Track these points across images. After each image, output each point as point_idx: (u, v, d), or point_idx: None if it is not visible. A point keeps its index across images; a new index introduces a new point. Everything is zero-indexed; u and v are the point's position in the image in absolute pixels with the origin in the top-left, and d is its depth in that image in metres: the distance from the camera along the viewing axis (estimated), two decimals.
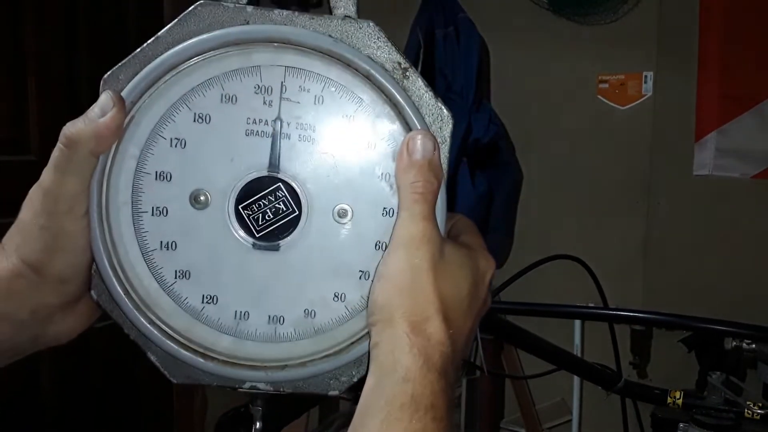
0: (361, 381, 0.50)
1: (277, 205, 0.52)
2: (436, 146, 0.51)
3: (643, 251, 2.71)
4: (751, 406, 1.16)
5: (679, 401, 1.21)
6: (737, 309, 2.22)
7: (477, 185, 2.53)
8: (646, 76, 2.67)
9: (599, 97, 2.75)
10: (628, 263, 2.68)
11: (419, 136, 0.51)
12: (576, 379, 2.47)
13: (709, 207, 2.59)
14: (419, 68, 2.54)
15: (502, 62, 2.77)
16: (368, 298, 0.51)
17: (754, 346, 1.85)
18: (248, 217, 0.52)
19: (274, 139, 0.51)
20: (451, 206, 0.54)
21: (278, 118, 0.51)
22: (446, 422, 0.46)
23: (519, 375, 2.50)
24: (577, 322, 2.52)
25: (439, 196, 0.51)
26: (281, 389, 0.54)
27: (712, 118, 2.56)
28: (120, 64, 0.51)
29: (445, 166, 0.53)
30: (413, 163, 0.50)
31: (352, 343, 0.53)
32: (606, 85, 2.73)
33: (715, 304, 2.40)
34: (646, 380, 2.59)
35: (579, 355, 2.35)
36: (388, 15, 2.62)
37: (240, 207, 0.52)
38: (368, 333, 0.51)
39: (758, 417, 1.15)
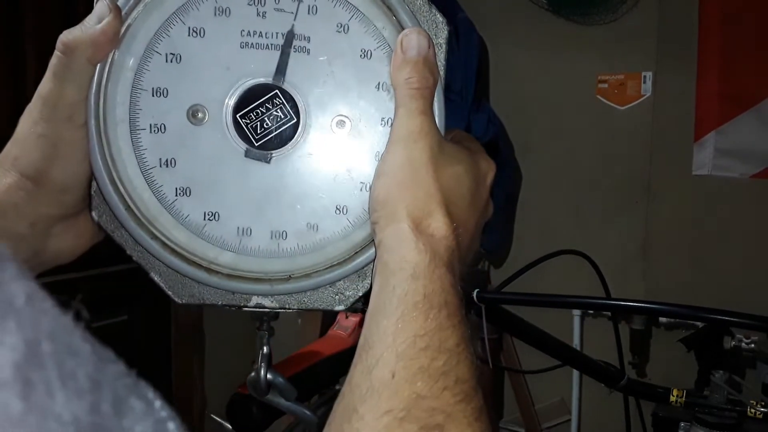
0: (366, 296, 0.49)
1: (275, 113, 0.51)
2: (430, 44, 0.50)
3: (642, 251, 2.71)
4: (754, 404, 1.16)
5: (682, 400, 1.21)
6: (737, 309, 2.22)
7: None
8: (645, 76, 2.67)
9: (599, 97, 2.75)
10: (627, 263, 2.69)
11: (413, 33, 0.50)
12: (575, 379, 2.48)
13: (709, 207, 2.59)
14: None
15: (501, 62, 2.77)
16: (369, 200, 0.51)
17: (753, 345, 1.85)
18: (246, 126, 0.51)
19: (284, 48, 0.51)
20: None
21: (291, 30, 0.51)
22: (460, 317, 0.46)
23: (522, 369, 2.50)
24: (577, 322, 2.52)
25: (436, 98, 0.51)
26: (287, 306, 0.53)
27: (712, 118, 2.56)
28: None
29: (441, 71, 0.52)
30: (408, 60, 0.50)
31: (356, 252, 0.53)
32: (605, 85, 2.74)
33: (715, 304, 2.40)
34: (646, 380, 2.59)
35: None
36: None
37: (238, 116, 0.51)
38: (372, 242, 0.50)
39: (761, 416, 1.15)
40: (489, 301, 1.19)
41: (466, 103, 2.59)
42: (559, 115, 2.79)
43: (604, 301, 1.38)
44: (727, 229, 2.55)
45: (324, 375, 1.32)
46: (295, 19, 0.51)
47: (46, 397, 0.24)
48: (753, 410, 1.17)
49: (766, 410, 1.15)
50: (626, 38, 2.66)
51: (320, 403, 1.26)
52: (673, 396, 1.20)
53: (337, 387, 1.35)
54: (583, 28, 2.70)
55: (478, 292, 1.18)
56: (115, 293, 2.24)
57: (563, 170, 2.78)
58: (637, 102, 2.70)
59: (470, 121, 2.56)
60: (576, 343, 2.50)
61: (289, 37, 0.51)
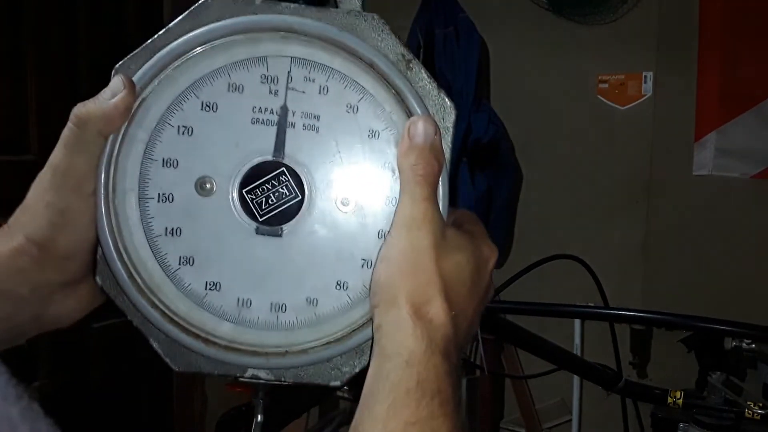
0: (363, 373, 0.50)
1: (280, 190, 0.52)
2: (437, 131, 0.51)
3: (642, 251, 2.71)
4: (752, 406, 1.16)
5: (680, 401, 1.20)
6: (737, 309, 2.22)
7: (477, 185, 2.53)
8: (645, 76, 2.67)
9: (599, 97, 2.75)
10: (627, 263, 2.68)
11: (420, 121, 0.51)
12: (576, 379, 2.47)
13: (709, 207, 2.59)
14: None
15: (502, 62, 2.77)
16: (370, 282, 0.51)
17: (753, 346, 1.85)
18: (252, 201, 0.52)
19: (280, 124, 0.52)
20: (453, 202, 0.54)
21: (284, 105, 0.52)
22: (453, 405, 0.46)
23: (519, 375, 2.50)
24: (577, 322, 2.52)
25: (440, 183, 0.52)
26: (282, 379, 0.54)
27: (712, 118, 2.56)
28: (131, 54, 0.52)
29: (447, 155, 0.53)
30: (414, 147, 0.51)
31: (354, 330, 0.53)
32: (606, 85, 2.73)
33: (715, 304, 2.40)
34: (646, 380, 2.59)
35: (579, 354, 2.35)
36: (388, 15, 2.61)
37: (244, 191, 0.52)
38: (370, 320, 0.51)
39: (759, 417, 1.15)
40: (485, 311, 1.19)
41: (467, 102, 2.59)
42: (560, 115, 2.79)
43: (598, 311, 1.38)
44: (727, 229, 2.54)
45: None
46: (286, 96, 0.52)
47: None
48: (750, 411, 1.16)
49: (763, 411, 1.15)
50: (626, 38, 2.65)
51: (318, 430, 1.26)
52: (670, 397, 1.19)
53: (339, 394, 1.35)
54: (584, 28, 2.70)
55: None
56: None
57: (563, 170, 2.78)
58: (637, 102, 2.70)
59: (470, 121, 2.57)
60: (577, 343, 2.50)
61: (283, 112, 0.52)
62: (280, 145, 0.52)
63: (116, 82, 0.51)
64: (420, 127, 0.51)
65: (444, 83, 2.59)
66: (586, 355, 2.41)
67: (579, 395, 2.49)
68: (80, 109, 0.50)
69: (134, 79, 0.51)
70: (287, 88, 0.52)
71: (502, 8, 2.81)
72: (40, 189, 0.51)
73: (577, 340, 2.51)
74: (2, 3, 2.21)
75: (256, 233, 0.52)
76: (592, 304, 1.54)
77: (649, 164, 2.68)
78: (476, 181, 2.53)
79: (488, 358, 2.36)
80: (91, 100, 0.51)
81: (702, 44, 2.55)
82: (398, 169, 0.52)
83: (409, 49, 0.54)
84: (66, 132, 0.50)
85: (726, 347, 1.95)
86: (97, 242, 0.52)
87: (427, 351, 0.46)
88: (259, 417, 0.58)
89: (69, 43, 2.42)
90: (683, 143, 2.61)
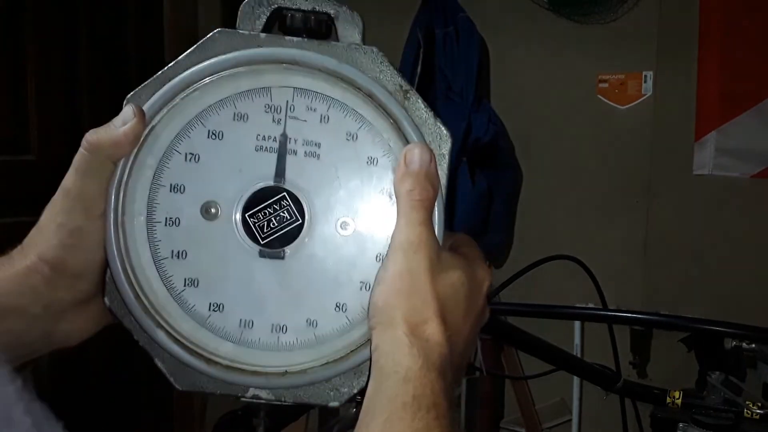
0: (361, 393, 0.51)
1: (281, 214, 0.55)
2: (432, 158, 0.53)
3: (642, 251, 2.71)
4: (751, 405, 1.16)
5: (679, 401, 1.20)
6: (737, 309, 2.22)
7: (477, 185, 2.53)
8: (645, 76, 2.67)
9: (599, 96, 2.75)
10: (627, 263, 2.69)
11: (416, 148, 0.53)
12: (576, 379, 2.48)
13: (709, 206, 2.59)
14: (419, 68, 2.55)
15: (502, 62, 2.77)
16: (368, 304, 0.53)
17: (753, 346, 1.85)
18: (254, 225, 0.54)
19: (281, 150, 0.54)
20: (449, 224, 0.56)
21: (284, 133, 0.55)
22: (448, 420, 0.47)
23: (519, 375, 2.50)
24: (577, 323, 2.52)
25: (436, 208, 0.54)
26: (282, 399, 0.56)
27: (712, 118, 2.56)
28: (142, 85, 0.55)
29: (444, 181, 0.55)
30: (410, 173, 0.53)
31: (352, 351, 0.55)
32: (606, 85, 2.74)
33: (715, 304, 2.40)
34: (646, 380, 2.59)
35: (579, 355, 2.35)
36: (388, 15, 2.62)
37: (247, 215, 0.54)
38: (368, 341, 0.53)
39: (758, 417, 1.15)
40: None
41: (467, 102, 2.59)
42: (560, 114, 2.79)
43: (597, 313, 1.38)
44: (727, 228, 2.54)
45: None
46: (285, 124, 0.55)
47: None
48: (750, 411, 1.16)
49: (762, 411, 1.15)
50: (626, 38, 2.65)
51: None
52: (669, 398, 1.20)
53: None
54: (584, 27, 2.70)
55: None
56: None
57: (563, 170, 2.78)
58: (637, 102, 2.70)
59: (470, 120, 2.56)
60: (576, 343, 2.50)
61: (282, 140, 0.54)
62: (281, 170, 0.54)
63: (127, 111, 0.53)
64: (416, 154, 0.53)
65: (444, 83, 2.59)
66: (586, 355, 2.41)
67: (579, 395, 2.50)
68: (92, 136, 0.53)
69: (144, 108, 0.54)
70: (287, 116, 0.55)
71: (502, 8, 2.81)
72: (53, 211, 0.53)
73: (577, 340, 2.51)
74: (3, 3, 2.21)
75: (260, 256, 0.54)
76: (591, 305, 1.55)
77: (649, 164, 2.68)
78: (476, 181, 2.53)
79: (488, 358, 2.37)
80: (102, 127, 0.53)
81: (702, 44, 2.55)
82: (395, 194, 0.54)
83: (407, 81, 0.56)
84: (78, 157, 0.53)
85: (726, 347, 1.95)
86: (106, 263, 0.54)
87: (423, 367, 0.47)
88: None
89: (69, 43, 2.42)
90: (683, 143, 2.61)
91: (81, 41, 2.45)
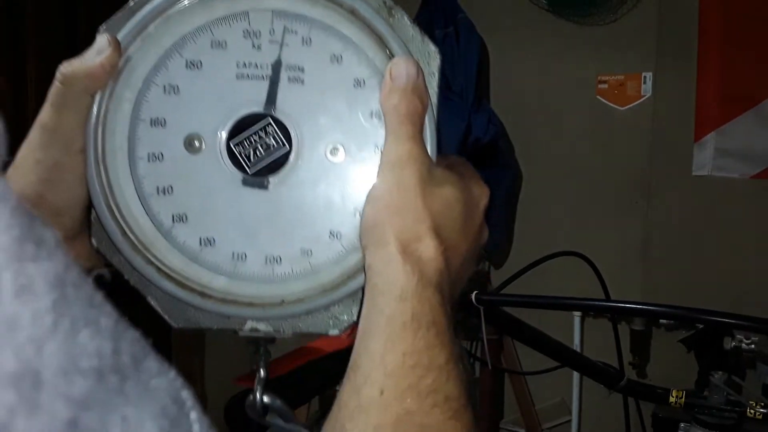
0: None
1: (267, 141, 0.53)
2: (419, 72, 0.51)
3: (642, 251, 2.71)
4: (754, 405, 1.16)
5: (681, 400, 1.21)
6: (737, 309, 2.22)
7: None
8: (645, 77, 2.68)
9: (598, 97, 2.75)
10: (626, 263, 2.68)
11: (401, 62, 0.51)
12: (576, 379, 2.48)
13: (709, 207, 2.59)
14: None
15: (501, 62, 2.78)
16: (360, 224, 0.52)
17: (753, 346, 1.84)
18: (240, 154, 0.52)
19: (273, 77, 0.52)
20: (441, 148, 0.54)
21: (278, 60, 0.52)
22: (448, 336, 0.46)
23: (522, 371, 2.50)
24: (577, 322, 2.53)
25: (427, 124, 0.52)
26: (281, 330, 0.54)
27: (712, 119, 2.56)
28: (115, 14, 0.53)
29: (434, 99, 0.53)
30: (396, 88, 0.50)
31: (349, 277, 0.53)
32: (605, 86, 2.74)
33: (714, 305, 2.39)
34: (646, 380, 2.59)
35: None
36: None
37: (232, 144, 0.53)
38: (363, 266, 0.51)
39: (760, 416, 1.15)
40: (487, 303, 1.19)
41: (467, 103, 2.59)
42: (559, 115, 2.79)
43: (602, 303, 1.38)
44: (727, 229, 2.55)
45: (325, 372, 1.32)
46: (281, 49, 0.52)
47: (71, 328, 0.25)
48: (752, 411, 1.17)
49: (765, 411, 1.15)
50: (626, 38, 2.66)
51: (319, 417, 1.26)
52: (672, 397, 1.20)
53: (338, 388, 1.34)
54: (583, 28, 2.70)
55: (476, 293, 1.18)
56: (114, 293, 2.23)
57: (563, 170, 2.78)
58: (637, 102, 2.70)
59: (470, 121, 2.57)
60: (576, 343, 2.50)
61: (276, 67, 0.52)
62: (272, 96, 0.52)
63: (101, 40, 0.51)
64: (402, 68, 0.51)
65: (444, 83, 2.59)
66: (586, 355, 2.41)
67: (579, 395, 2.50)
68: (66, 68, 0.51)
69: (119, 37, 0.52)
70: (282, 43, 0.53)
71: (502, 8, 2.81)
72: (30, 147, 0.52)
73: (577, 340, 2.51)
74: (3, 2, 2.20)
75: (243, 185, 0.53)
76: (596, 299, 1.55)
77: (649, 164, 2.68)
78: None
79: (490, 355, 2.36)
80: (76, 58, 0.51)
81: (701, 44, 2.55)
82: (382, 111, 0.52)
83: None
84: (52, 90, 0.51)
85: (726, 347, 1.95)
86: (89, 203, 0.53)
87: (419, 285, 0.46)
88: (262, 372, 0.58)
89: (69, 43, 2.42)
90: (683, 143, 2.61)
91: (81, 40, 2.45)
